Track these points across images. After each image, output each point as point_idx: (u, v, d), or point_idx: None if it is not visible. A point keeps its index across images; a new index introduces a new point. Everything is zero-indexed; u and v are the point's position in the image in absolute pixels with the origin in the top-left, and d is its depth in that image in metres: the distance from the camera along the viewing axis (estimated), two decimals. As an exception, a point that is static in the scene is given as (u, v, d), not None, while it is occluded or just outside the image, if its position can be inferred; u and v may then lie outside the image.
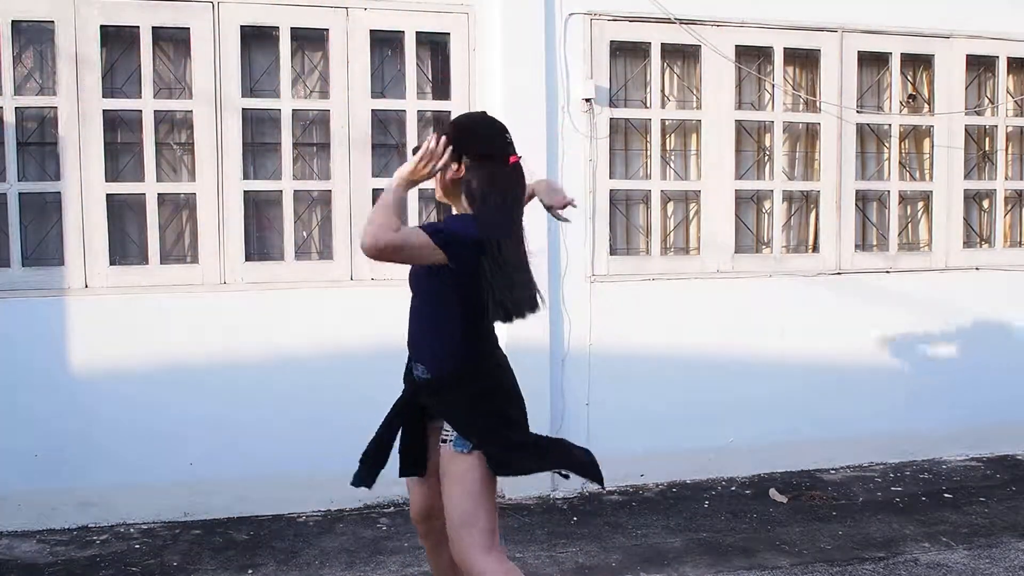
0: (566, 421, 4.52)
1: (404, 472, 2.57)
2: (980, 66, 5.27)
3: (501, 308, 2.36)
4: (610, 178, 4.65)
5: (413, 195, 4.44)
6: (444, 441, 2.43)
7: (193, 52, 4.18)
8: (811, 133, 5.06)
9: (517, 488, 4.38)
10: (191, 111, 4.21)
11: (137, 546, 3.89)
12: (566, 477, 2.60)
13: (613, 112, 4.66)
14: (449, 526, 2.40)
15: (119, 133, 4.28)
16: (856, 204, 5.02)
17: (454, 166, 2.46)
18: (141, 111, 4.16)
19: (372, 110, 4.39)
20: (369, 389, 4.24)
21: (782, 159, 4.95)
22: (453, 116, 4.43)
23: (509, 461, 2.41)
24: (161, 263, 4.21)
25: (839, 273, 4.95)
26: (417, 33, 4.41)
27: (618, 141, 4.80)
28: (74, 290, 4.09)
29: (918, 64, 5.23)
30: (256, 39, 4.34)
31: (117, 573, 3.61)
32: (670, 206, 4.94)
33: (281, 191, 4.33)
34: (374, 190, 4.40)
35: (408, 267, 2.53)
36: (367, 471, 2.58)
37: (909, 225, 5.31)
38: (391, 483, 4.25)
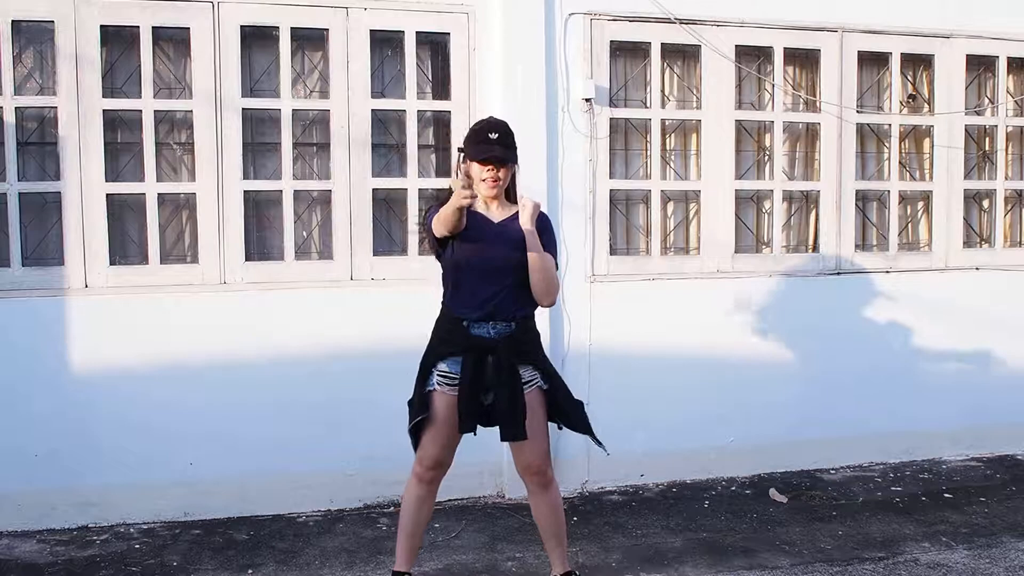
0: (566, 421, 4.52)
1: (467, 429, 3.02)
2: (980, 66, 5.27)
3: None
4: (610, 178, 4.65)
5: (414, 193, 4.45)
6: (530, 384, 3.04)
7: (193, 52, 4.18)
8: (811, 133, 5.06)
9: (517, 488, 4.37)
10: (191, 111, 4.21)
11: (137, 546, 3.89)
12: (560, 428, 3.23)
13: (613, 112, 4.66)
14: (541, 450, 3.04)
15: (119, 133, 4.28)
16: (856, 204, 5.02)
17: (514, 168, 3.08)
18: (141, 111, 4.16)
19: (372, 110, 4.39)
20: (369, 389, 4.26)
21: (782, 159, 4.95)
22: (453, 116, 4.45)
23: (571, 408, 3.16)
24: (161, 263, 4.21)
25: (839, 273, 4.95)
26: (417, 33, 4.41)
27: (618, 141, 4.80)
28: (74, 290, 4.09)
29: (918, 64, 5.23)
30: (256, 39, 4.34)
31: (117, 573, 3.61)
32: (670, 206, 4.94)
33: (281, 191, 4.33)
34: (374, 190, 4.40)
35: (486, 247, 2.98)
36: (469, 425, 3.02)
37: (909, 225, 5.31)
38: (391, 483, 4.25)
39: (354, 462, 4.29)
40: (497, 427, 3.04)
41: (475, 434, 3.06)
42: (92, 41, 4.07)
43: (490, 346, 2.98)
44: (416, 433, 3.08)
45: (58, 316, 4.07)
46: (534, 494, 3.13)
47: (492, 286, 2.99)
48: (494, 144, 2.93)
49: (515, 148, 3.02)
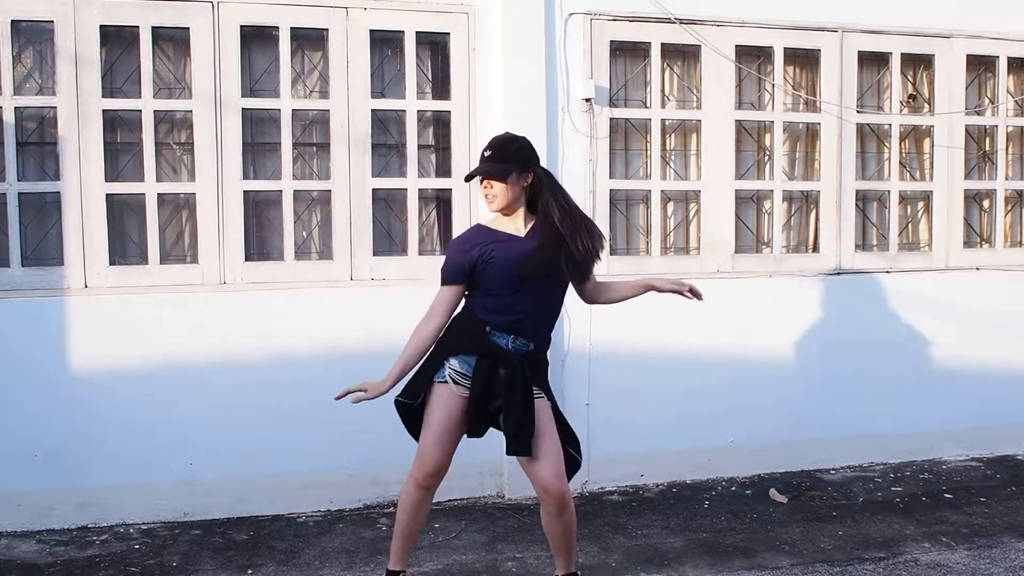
0: (566, 421, 4.52)
1: (475, 433, 3.09)
2: (980, 66, 5.27)
3: None
4: (610, 178, 4.65)
5: (414, 193, 4.44)
6: (539, 397, 3.03)
7: (193, 52, 4.18)
8: (811, 133, 5.06)
9: (517, 488, 4.37)
10: (191, 111, 4.21)
11: (137, 546, 3.89)
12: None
13: (613, 112, 4.66)
14: (558, 471, 3.01)
15: (119, 133, 4.28)
16: (856, 204, 5.02)
17: (527, 176, 3.03)
18: (141, 111, 4.16)
19: (372, 110, 4.39)
20: (369, 389, 4.22)
21: (782, 159, 4.95)
22: (453, 116, 4.45)
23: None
24: (161, 263, 4.21)
25: (839, 273, 4.95)
26: (417, 33, 4.41)
27: (618, 141, 4.80)
28: (74, 290, 4.09)
29: (918, 64, 5.23)
30: (256, 39, 4.34)
31: (117, 573, 3.61)
32: (670, 206, 4.94)
33: (281, 191, 4.33)
34: (374, 190, 4.40)
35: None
36: (478, 429, 3.09)
37: (909, 225, 5.31)
38: (391, 483, 4.26)
39: (354, 462, 4.29)
40: (498, 428, 3.06)
41: (481, 437, 3.10)
42: (92, 41, 4.07)
43: (504, 357, 2.98)
44: (411, 420, 3.10)
45: (58, 316, 4.07)
46: (550, 515, 3.06)
47: (540, 304, 3.03)
48: (483, 161, 3.02)
49: (509, 160, 2.99)
